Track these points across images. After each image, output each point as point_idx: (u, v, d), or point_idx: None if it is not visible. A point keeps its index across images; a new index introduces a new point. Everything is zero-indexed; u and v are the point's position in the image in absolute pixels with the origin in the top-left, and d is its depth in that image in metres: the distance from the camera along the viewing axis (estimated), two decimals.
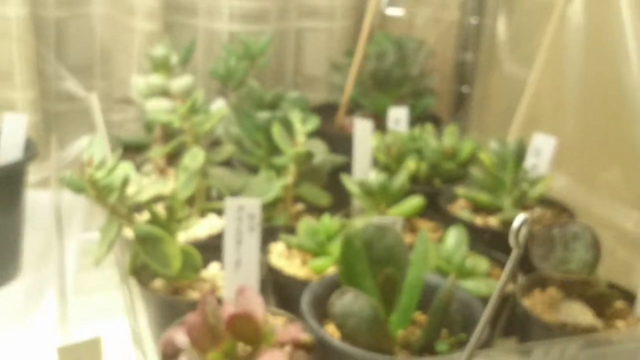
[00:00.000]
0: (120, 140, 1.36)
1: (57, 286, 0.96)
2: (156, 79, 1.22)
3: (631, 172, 1.26)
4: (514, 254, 0.48)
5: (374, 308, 0.76)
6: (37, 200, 1.27)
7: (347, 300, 0.76)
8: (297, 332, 0.78)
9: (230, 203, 0.84)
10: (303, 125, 1.11)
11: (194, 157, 1.03)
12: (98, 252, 0.86)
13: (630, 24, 1.25)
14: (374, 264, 0.81)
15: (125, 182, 0.84)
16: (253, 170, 1.19)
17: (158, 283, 0.93)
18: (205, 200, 1.10)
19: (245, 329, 0.75)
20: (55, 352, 0.57)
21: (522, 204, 1.07)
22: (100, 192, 0.84)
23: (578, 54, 1.36)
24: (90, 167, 0.83)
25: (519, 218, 0.46)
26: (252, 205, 0.84)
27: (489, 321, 0.71)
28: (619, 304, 0.91)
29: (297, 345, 0.77)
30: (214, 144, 1.26)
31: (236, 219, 0.84)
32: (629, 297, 0.92)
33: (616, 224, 1.14)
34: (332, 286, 0.85)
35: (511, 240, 0.46)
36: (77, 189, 0.84)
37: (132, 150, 1.35)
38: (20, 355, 0.97)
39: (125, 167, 0.85)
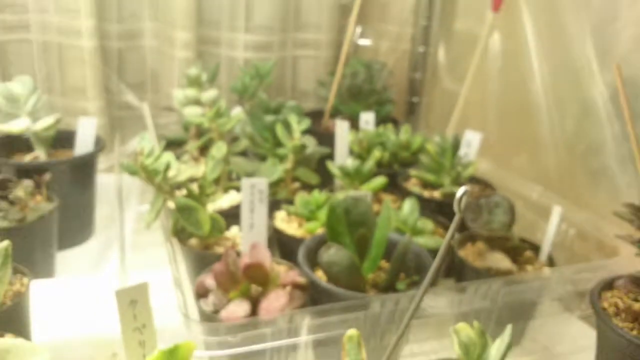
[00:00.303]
0: (165, 137, 1.32)
1: (119, 245, 0.92)
2: (191, 92, 1.18)
3: (534, 157, 1.24)
4: (457, 216, 0.45)
5: (351, 258, 0.73)
6: (105, 182, 1.24)
7: (331, 253, 0.74)
8: (295, 276, 0.75)
9: (245, 182, 0.81)
10: (298, 125, 1.08)
11: (219, 149, 0.99)
12: (148, 218, 0.83)
13: (534, 52, 1.23)
14: (351, 225, 0.78)
15: (167, 167, 0.81)
16: (262, 158, 1.16)
17: (193, 241, 0.90)
18: (228, 180, 1.07)
19: (257, 275, 0.72)
20: (114, 294, 0.54)
21: (457, 182, 1.05)
22: (149, 174, 0.81)
23: (496, 73, 1.34)
24: (141, 156, 0.80)
25: (461, 190, 0.43)
26: (261, 183, 0.81)
27: (438, 267, 0.68)
28: (528, 253, 0.89)
29: (295, 286, 0.75)
30: (233, 139, 1.22)
31: (250, 194, 0.81)
32: (536, 248, 0.90)
33: (525, 195, 1.12)
34: (320, 242, 0.82)
35: (455, 206, 0.44)
36: (132, 172, 0.81)
37: (174, 145, 1.31)
38: (94, 295, 0.95)
39: (168, 156, 0.82)
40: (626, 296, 0.69)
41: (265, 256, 0.75)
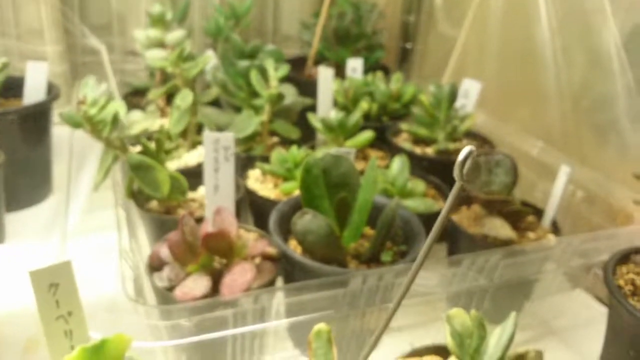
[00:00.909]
0: (131, 86, 1.20)
1: (64, 208, 0.81)
2: (154, 33, 1.04)
3: (536, 110, 1.14)
4: (457, 184, 0.35)
5: (329, 226, 0.63)
6: (64, 136, 1.12)
7: (307, 220, 0.63)
8: (264, 246, 0.65)
9: (207, 136, 0.69)
10: (276, 72, 0.95)
11: (184, 98, 0.87)
12: (96, 178, 0.72)
13: None
14: (330, 188, 0.67)
15: (115, 118, 0.69)
16: (237, 109, 1.04)
17: (153, 203, 0.79)
18: (196, 134, 0.95)
19: (219, 245, 0.62)
20: (29, 276, 0.43)
21: (452, 137, 0.94)
22: (94, 127, 0.69)
23: (498, 16, 1.22)
24: (84, 105, 0.68)
25: (465, 151, 0.33)
26: (226, 138, 0.70)
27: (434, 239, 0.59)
28: (531, 218, 0.80)
29: (265, 257, 0.65)
30: (205, 87, 1.10)
31: (213, 150, 0.70)
32: (538, 212, 0.81)
33: (525, 151, 1.02)
34: (295, 206, 0.72)
35: (456, 172, 0.33)
36: (75, 124, 0.69)
37: (140, 93, 1.19)
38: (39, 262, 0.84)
39: (116, 105, 0.70)
40: None
41: (230, 223, 0.65)
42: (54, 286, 0.44)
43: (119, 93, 1.07)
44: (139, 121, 0.73)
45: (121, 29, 1.34)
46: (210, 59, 0.93)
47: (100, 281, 0.63)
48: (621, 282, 0.59)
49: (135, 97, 1.19)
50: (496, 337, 0.46)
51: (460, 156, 0.33)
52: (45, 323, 0.44)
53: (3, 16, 1.23)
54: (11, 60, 1.23)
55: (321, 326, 0.40)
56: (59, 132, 1.08)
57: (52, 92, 1.01)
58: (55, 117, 1.06)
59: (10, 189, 0.93)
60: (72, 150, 0.92)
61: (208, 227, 0.64)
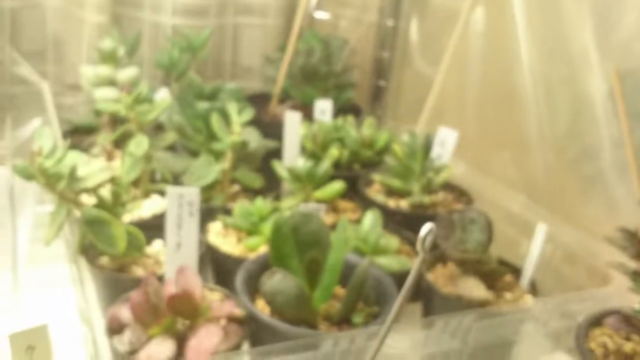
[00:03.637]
0: (71, 123, 1.30)
1: (11, 262, 0.91)
2: (104, 70, 1.16)
3: (518, 160, 1.28)
4: (420, 257, 0.47)
5: (299, 287, 0.75)
6: None
7: (276, 280, 0.75)
8: (231, 307, 0.76)
9: (171, 191, 0.81)
10: (239, 116, 1.08)
11: (139, 145, 0.99)
12: (48, 234, 0.82)
13: (522, 32, 1.26)
14: (300, 246, 0.80)
15: (73, 172, 0.80)
16: (194, 154, 1.15)
17: (104, 259, 0.89)
18: (149, 182, 1.06)
19: (184, 307, 0.73)
20: (8, 339, 0.53)
21: (428, 189, 1.08)
22: (49, 180, 0.80)
23: (478, 56, 1.37)
24: (39, 157, 0.78)
25: (425, 228, 0.45)
26: (191, 193, 0.81)
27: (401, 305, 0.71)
28: (508, 277, 0.93)
29: (231, 319, 0.76)
30: (157, 128, 1.21)
31: (177, 206, 0.81)
32: (516, 271, 0.94)
33: (505, 206, 1.16)
34: (263, 264, 0.83)
35: (418, 246, 0.45)
36: (28, 176, 0.79)
37: (81, 132, 1.29)
38: None
39: (73, 156, 0.81)
40: (617, 335, 0.74)
41: (194, 284, 0.75)
42: (31, 348, 0.54)
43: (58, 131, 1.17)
44: (95, 173, 0.83)
45: (57, 56, 1.45)
46: (167, 102, 1.05)
47: (57, 344, 0.72)
48: (593, 345, 0.73)
49: (75, 135, 1.29)
50: None
51: (422, 232, 0.45)
52: None
53: None
54: None
55: None
56: None
57: None
58: None
59: None
60: (12, 195, 1.01)
61: (171, 288, 0.74)
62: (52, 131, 0.82)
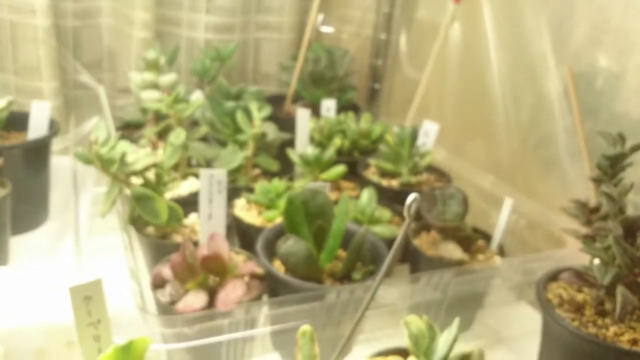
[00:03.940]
0: (123, 120, 1.29)
1: (74, 231, 0.90)
2: (149, 76, 1.15)
3: (489, 146, 1.27)
4: (407, 222, 0.46)
5: (308, 249, 0.74)
6: (60, 165, 1.21)
7: (289, 244, 0.74)
8: (252, 266, 0.76)
9: (203, 172, 0.80)
10: (259, 112, 1.07)
11: (177, 136, 0.98)
12: (103, 208, 0.82)
13: (492, 42, 1.25)
14: (309, 217, 0.79)
15: (123, 157, 0.79)
16: (222, 144, 1.14)
17: (150, 229, 0.89)
18: (187, 166, 1.05)
19: (214, 266, 0.72)
20: (68, 291, 0.53)
21: (414, 171, 1.07)
22: (104, 164, 0.79)
23: (456, 62, 1.36)
24: (96, 145, 0.78)
25: (411, 197, 0.44)
26: (220, 173, 0.80)
27: (391, 263, 0.70)
28: (480, 242, 0.92)
29: (253, 276, 0.76)
30: (193, 124, 1.21)
31: (208, 184, 0.80)
32: (487, 237, 0.93)
33: (478, 184, 1.15)
34: (279, 232, 0.83)
35: (405, 212, 0.45)
36: (86, 161, 0.79)
37: (131, 127, 1.28)
38: (48, 282, 0.93)
39: (123, 145, 0.80)
40: (570, 288, 0.73)
41: (223, 247, 0.75)
42: (88, 299, 0.54)
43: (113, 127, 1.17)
44: (142, 158, 0.83)
45: (111, 65, 1.44)
46: (200, 102, 1.04)
47: (111, 296, 0.72)
48: (550, 296, 0.72)
49: (126, 130, 1.29)
50: (444, 338, 0.57)
51: (408, 200, 0.44)
52: (79, 329, 0.54)
53: (2, 52, 1.31)
54: (9, 94, 1.33)
55: (306, 327, 0.51)
56: (57, 162, 1.17)
57: (53, 127, 1.10)
58: (54, 148, 1.15)
59: (13, 215, 1.01)
60: (75, 179, 1.01)
61: (204, 251, 0.74)
62: (107, 125, 0.81)
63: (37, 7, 1.24)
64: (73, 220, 1.03)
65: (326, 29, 1.25)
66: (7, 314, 0.83)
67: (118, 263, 0.86)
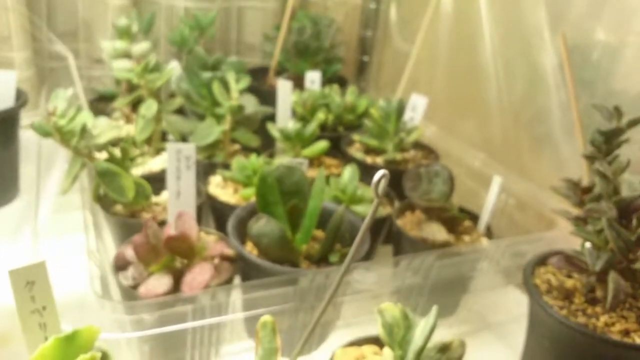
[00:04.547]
0: (97, 92, 1.23)
1: (33, 210, 0.85)
2: (120, 44, 1.09)
3: (480, 122, 1.22)
4: (375, 201, 0.41)
5: (281, 230, 0.69)
6: (31, 139, 1.15)
7: (261, 224, 0.69)
8: (222, 247, 0.71)
9: (170, 146, 0.75)
10: (237, 84, 1.01)
11: (149, 108, 0.92)
12: (64, 184, 0.76)
13: (485, 13, 1.20)
14: (284, 195, 0.74)
15: (83, 129, 0.73)
16: (200, 117, 1.09)
17: (118, 207, 0.84)
18: (160, 141, 1.00)
19: (180, 247, 0.68)
20: (7, 274, 0.48)
21: (400, 147, 1.01)
22: (63, 137, 0.74)
23: (447, 34, 1.30)
24: (54, 116, 0.72)
25: (379, 173, 0.39)
26: (188, 148, 0.75)
27: (363, 242, 0.66)
28: (467, 223, 0.88)
29: (224, 258, 0.71)
30: (170, 96, 1.14)
31: (175, 160, 0.75)
32: (475, 218, 0.89)
33: (468, 162, 1.10)
34: (252, 211, 0.78)
35: (372, 190, 0.40)
36: (45, 133, 0.73)
37: (106, 100, 1.22)
38: (8, 262, 0.88)
39: (84, 116, 0.75)
40: (559, 273, 0.68)
41: (191, 227, 0.70)
42: (30, 284, 0.49)
43: (85, 99, 1.11)
44: (106, 130, 0.77)
45: (87, 35, 1.37)
46: (174, 71, 0.98)
47: (69, 279, 0.67)
48: (538, 282, 0.67)
49: (100, 103, 1.23)
50: (421, 327, 0.53)
51: (376, 177, 0.40)
52: (21, 317, 0.49)
53: None
54: None
55: (266, 318, 0.47)
56: (26, 136, 1.11)
57: (21, 98, 1.04)
58: (23, 122, 1.09)
59: None
60: (40, 155, 0.96)
61: (170, 231, 0.69)
62: (67, 95, 0.75)
63: None
64: (34, 200, 0.98)
65: None
66: None
67: (82, 244, 0.82)
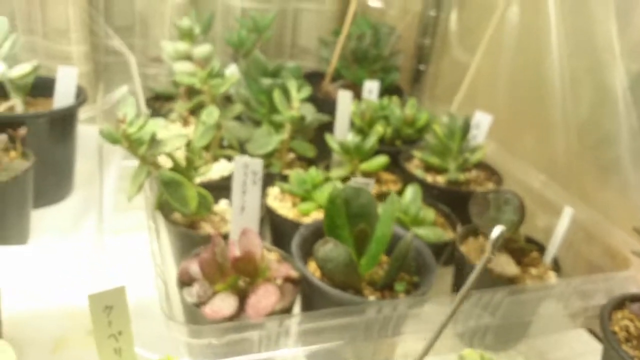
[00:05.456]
0: (153, 91, 1.23)
1: (97, 208, 0.86)
2: (182, 46, 1.08)
3: (542, 142, 1.18)
4: (486, 256, 0.39)
5: (348, 255, 0.68)
6: (87, 134, 1.16)
7: (328, 249, 0.68)
8: (287, 270, 0.70)
9: (238, 160, 0.73)
10: (298, 93, 0.99)
11: (210, 114, 0.91)
12: (130, 192, 0.76)
13: (554, 28, 1.15)
14: (351, 217, 0.72)
15: (152, 138, 0.73)
16: (257, 123, 1.08)
17: (177, 215, 0.83)
18: (219, 147, 0.99)
19: (246, 267, 0.67)
20: (87, 299, 0.48)
21: (464, 168, 0.99)
22: (132, 144, 0.73)
23: (511, 47, 1.26)
24: (124, 124, 0.72)
25: (497, 230, 0.37)
26: (255, 163, 0.74)
27: (432, 272, 0.63)
28: (534, 254, 0.84)
29: (287, 279, 0.70)
30: (227, 100, 1.14)
31: (242, 174, 0.74)
32: (540, 248, 0.86)
33: (526, 182, 1.06)
34: (315, 231, 0.76)
35: (488, 246, 0.38)
36: (113, 141, 0.73)
37: (162, 99, 1.23)
38: (70, 263, 0.89)
39: (153, 124, 0.74)
40: (638, 319, 0.65)
41: (255, 245, 0.69)
42: (108, 308, 0.48)
43: (143, 98, 1.11)
44: (172, 139, 0.77)
45: (143, 31, 1.37)
46: (235, 78, 0.97)
47: (133, 284, 0.66)
48: (616, 328, 0.64)
49: (156, 101, 1.23)
50: None
51: (494, 233, 0.37)
52: (98, 341, 0.49)
53: (31, 14, 1.25)
54: (37, 58, 1.27)
55: None
56: (84, 131, 1.12)
57: (81, 95, 1.05)
58: (81, 116, 1.10)
59: (35, 187, 0.96)
60: (101, 151, 0.96)
61: (235, 250, 0.68)
62: (135, 100, 0.75)
63: None
64: (97, 196, 0.98)
65: (375, 3, 1.16)
66: (24, 299, 0.79)
67: (142, 246, 0.82)
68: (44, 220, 0.99)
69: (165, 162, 0.84)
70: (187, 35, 1.09)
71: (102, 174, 1.02)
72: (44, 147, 0.98)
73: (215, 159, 0.98)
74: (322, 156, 1.06)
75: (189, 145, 0.84)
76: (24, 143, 0.92)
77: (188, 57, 1.09)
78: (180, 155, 0.83)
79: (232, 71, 1.09)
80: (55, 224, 1.00)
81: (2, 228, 0.88)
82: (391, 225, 0.71)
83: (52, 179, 1.03)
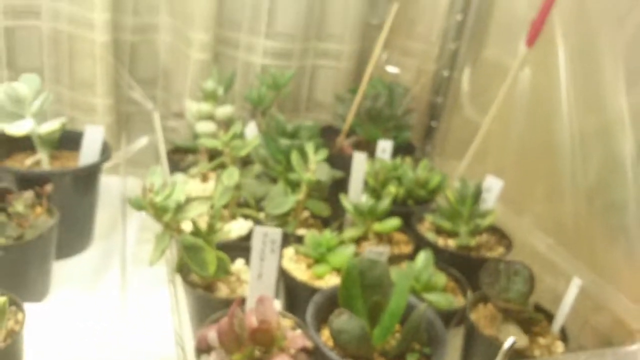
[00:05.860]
0: (174, 144, 1.27)
1: (120, 259, 0.89)
2: (205, 107, 1.13)
3: (550, 206, 1.20)
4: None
5: (362, 328, 0.70)
6: (108, 183, 1.20)
7: (343, 320, 0.70)
8: (303, 341, 0.72)
9: (257, 230, 0.76)
10: (315, 155, 1.03)
11: (230, 176, 0.95)
12: (152, 257, 0.79)
13: (565, 94, 1.18)
14: (365, 289, 0.75)
15: (178, 206, 0.76)
16: (273, 180, 1.11)
17: (195, 277, 0.86)
18: (236, 205, 1.03)
19: (263, 338, 0.69)
20: None
21: (474, 232, 1.01)
22: (157, 212, 0.77)
23: (523, 109, 1.29)
24: (150, 193, 0.75)
25: (509, 341, 0.40)
26: (274, 232, 0.77)
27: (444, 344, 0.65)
28: (543, 323, 0.86)
29: (302, 350, 0.72)
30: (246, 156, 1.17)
31: (261, 242, 0.77)
32: (548, 316, 0.87)
33: (533, 245, 1.08)
34: (330, 298, 0.79)
35: (499, 357, 0.40)
36: (139, 208, 0.76)
37: (182, 152, 1.27)
38: (90, 314, 0.91)
39: (179, 192, 0.77)
40: None
41: (272, 314, 0.71)
42: None
43: (164, 151, 1.15)
44: (195, 205, 0.80)
45: (165, 84, 1.42)
46: (257, 141, 1.01)
47: (153, 349, 0.68)
48: None
49: (176, 154, 1.27)
50: None
51: (506, 345, 0.40)
52: None
53: (59, 66, 1.31)
54: (62, 108, 1.32)
55: None
56: (105, 180, 1.15)
57: (106, 152, 1.09)
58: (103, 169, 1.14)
59: (57, 239, 0.99)
60: (124, 200, 0.99)
61: (253, 320, 0.70)
62: (157, 152, 0.78)
63: (97, 21, 1.23)
64: (119, 248, 1.01)
65: (391, 69, 1.21)
66: (53, 356, 0.81)
67: (161, 305, 0.84)
68: (65, 272, 1.02)
69: (186, 226, 0.87)
70: (210, 96, 1.13)
71: (125, 225, 1.05)
72: (68, 201, 1.02)
73: (233, 216, 1.01)
74: (335, 213, 1.08)
75: (210, 209, 0.87)
76: (49, 199, 0.95)
77: (210, 117, 1.13)
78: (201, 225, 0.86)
79: (251, 129, 1.13)
80: (76, 277, 1.03)
81: (24, 282, 0.91)
82: (406, 299, 0.73)
83: (74, 231, 1.07)
